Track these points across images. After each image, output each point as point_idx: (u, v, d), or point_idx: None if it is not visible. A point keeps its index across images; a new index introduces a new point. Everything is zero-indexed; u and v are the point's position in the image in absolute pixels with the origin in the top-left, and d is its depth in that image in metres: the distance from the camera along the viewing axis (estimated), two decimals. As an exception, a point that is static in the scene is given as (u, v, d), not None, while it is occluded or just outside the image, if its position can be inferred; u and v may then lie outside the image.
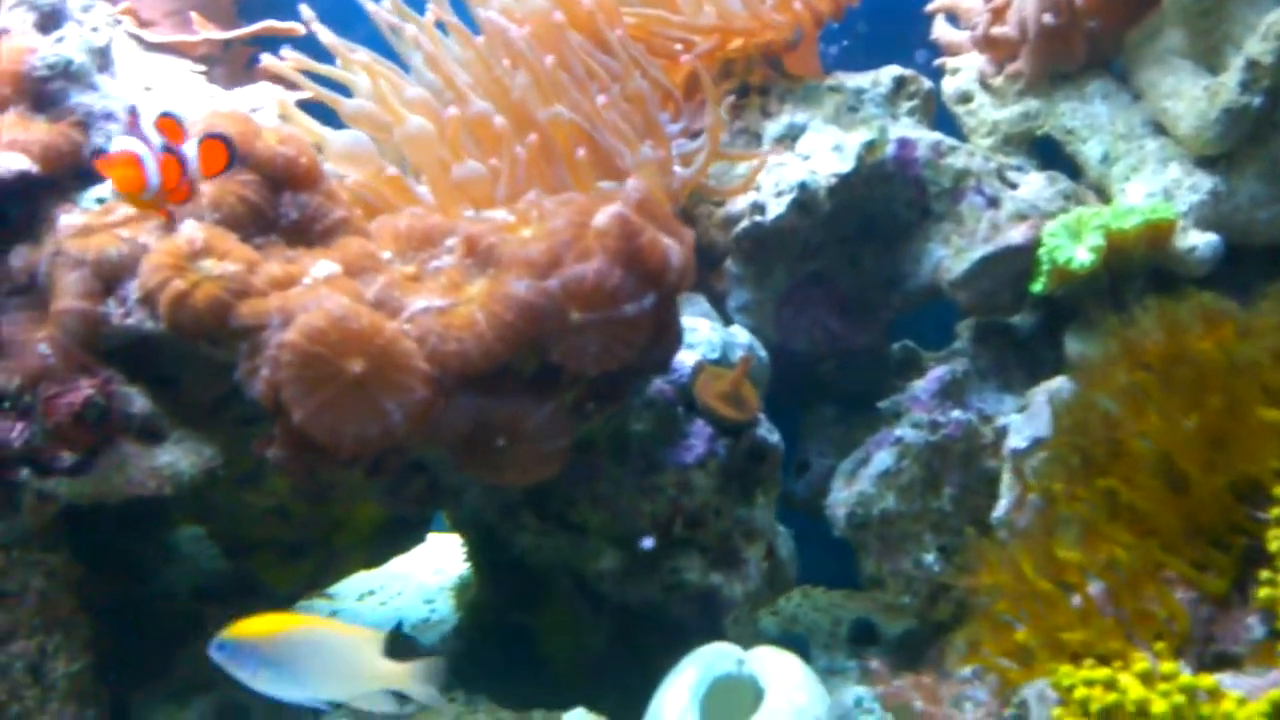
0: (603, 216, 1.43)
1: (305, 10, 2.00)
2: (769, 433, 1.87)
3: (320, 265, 1.47)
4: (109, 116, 1.60)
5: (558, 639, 2.06)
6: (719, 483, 1.85)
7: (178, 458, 1.54)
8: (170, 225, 1.48)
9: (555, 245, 1.44)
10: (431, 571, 2.73)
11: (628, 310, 1.43)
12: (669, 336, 1.55)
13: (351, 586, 2.60)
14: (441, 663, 1.47)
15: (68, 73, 1.59)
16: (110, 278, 1.47)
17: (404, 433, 1.41)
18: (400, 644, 1.42)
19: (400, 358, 1.41)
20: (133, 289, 1.46)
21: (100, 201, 1.56)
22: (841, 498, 2.14)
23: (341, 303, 1.40)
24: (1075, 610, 1.68)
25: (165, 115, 1.40)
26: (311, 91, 1.87)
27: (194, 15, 2.41)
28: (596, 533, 1.86)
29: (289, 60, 1.94)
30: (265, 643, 1.43)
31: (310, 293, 1.43)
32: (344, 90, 2.02)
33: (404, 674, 1.41)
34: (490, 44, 2.05)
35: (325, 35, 1.98)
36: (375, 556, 2.03)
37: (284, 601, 2.13)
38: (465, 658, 2.28)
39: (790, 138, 2.29)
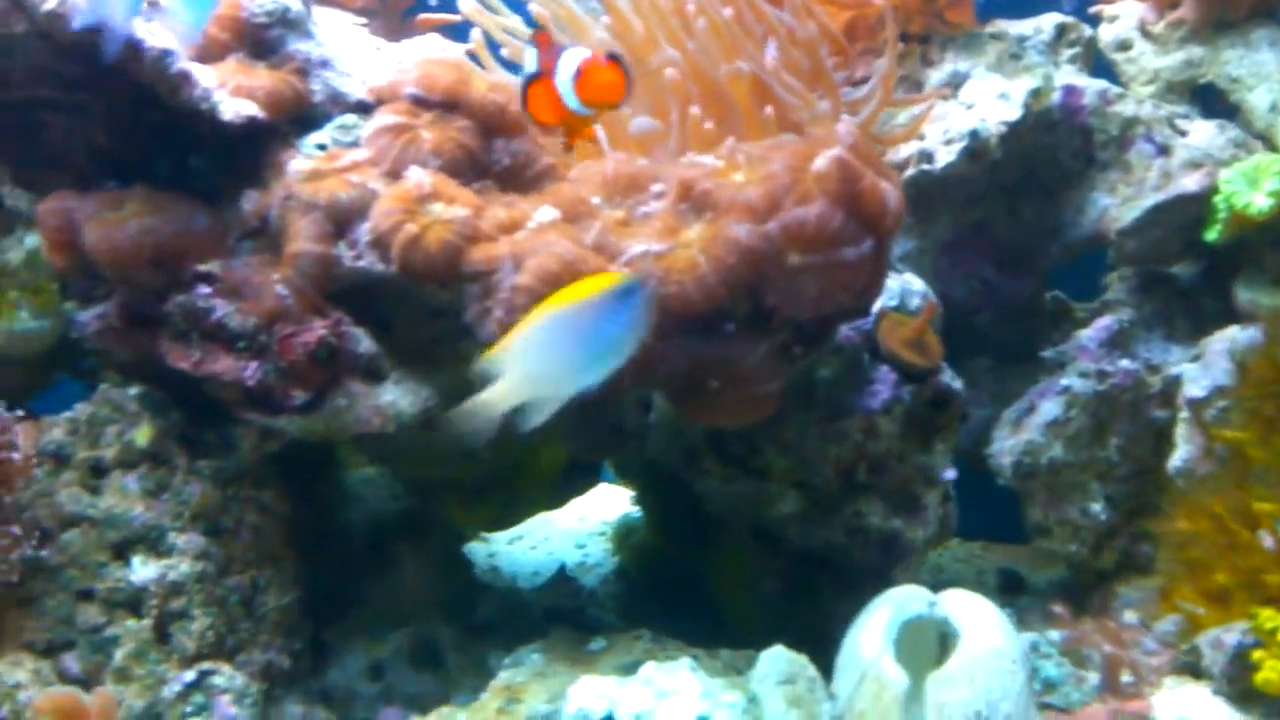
0: (822, 160, 1.45)
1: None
2: (952, 380, 1.88)
3: (541, 210, 1.50)
4: (325, 64, 1.64)
5: (729, 582, 2.10)
6: (902, 429, 1.86)
7: (398, 397, 1.59)
8: (397, 171, 1.52)
9: (774, 189, 1.45)
10: (576, 518, 2.78)
11: (848, 254, 1.44)
12: (880, 282, 1.56)
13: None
14: None
15: (285, 19, 1.63)
16: (341, 221, 1.51)
17: (627, 374, 1.44)
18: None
19: (624, 301, 1.43)
20: (364, 232, 1.50)
21: (321, 147, 1.60)
22: (1008, 446, 2.15)
23: (570, 247, 1.43)
24: (1273, 555, 1.69)
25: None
26: (502, 42, 1.89)
27: (354, -33, 2.44)
28: (779, 477, 1.89)
29: (470, 9, 1.96)
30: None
31: (538, 237, 1.46)
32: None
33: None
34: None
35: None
36: (556, 499, 2.08)
37: (459, 540, 2.19)
38: (630, 599, 2.34)
39: (953, 85, 2.29)
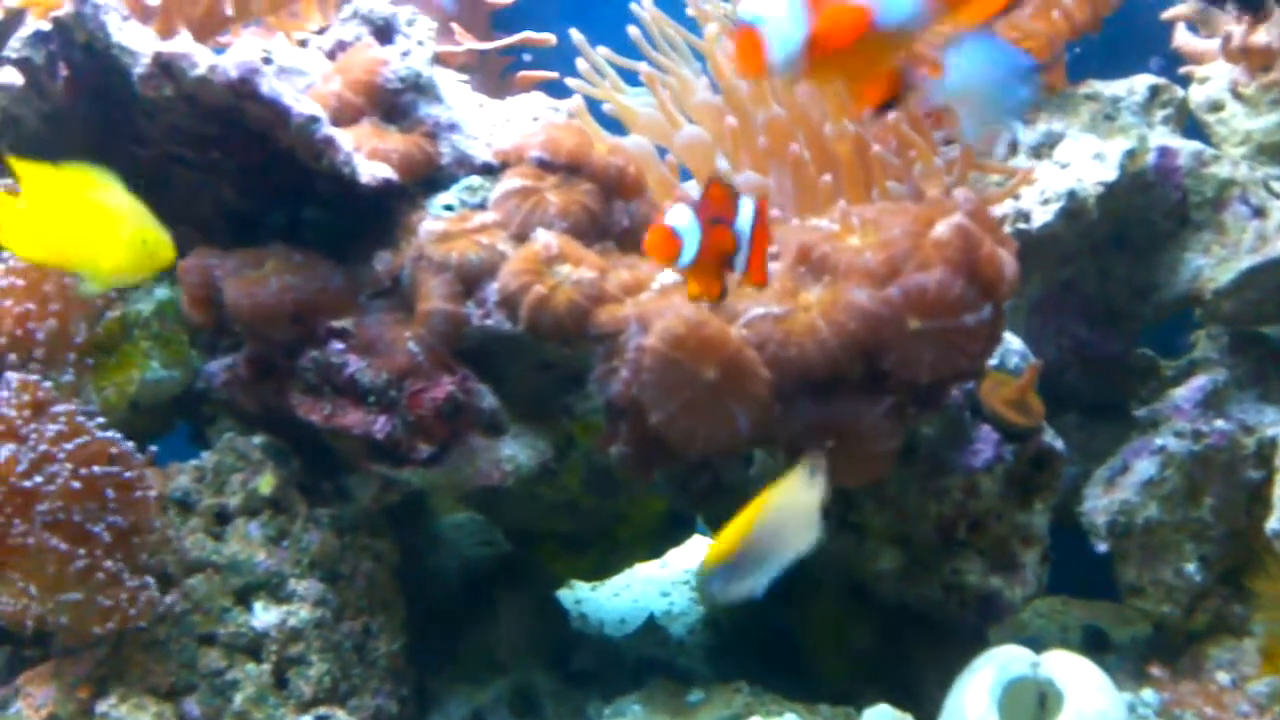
0: (943, 227, 1.48)
1: (576, 34, 2.06)
2: (1053, 439, 1.90)
3: (664, 272, 1.54)
4: (453, 127, 1.69)
5: (820, 636, 2.11)
6: (1003, 488, 1.88)
7: (517, 451, 1.63)
8: (525, 233, 1.57)
9: (894, 255, 1.49)
10: (658, 565, 2.80)
11: (967, 321, 1.47)
12: (995, 346, 1.59)
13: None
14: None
15: (417, 85, 1.69)
16: (471, 281, 1.56)
17: (748, 437, 1.48)
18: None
19: (747, 364, 1.47)
20: (492, 292, 1.55)
21: (448, 208, 1.65)
22: (1101, 505, 2.16)
23: (694, 310, 1.47)
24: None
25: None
26: (610, 99, 1.94)
27: (455, 26, 2.52)
28: (877, 534, 1.90)
29: (580, 83, 2.01)
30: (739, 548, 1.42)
31: (661, 299, 1.50)
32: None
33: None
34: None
35: (590, 54, 2.04)
36: (654, 550, 2.10)
37: (552, 587, 2.22)
38: (718, 649, 2.36)
39: (1047, 145, 2.31)
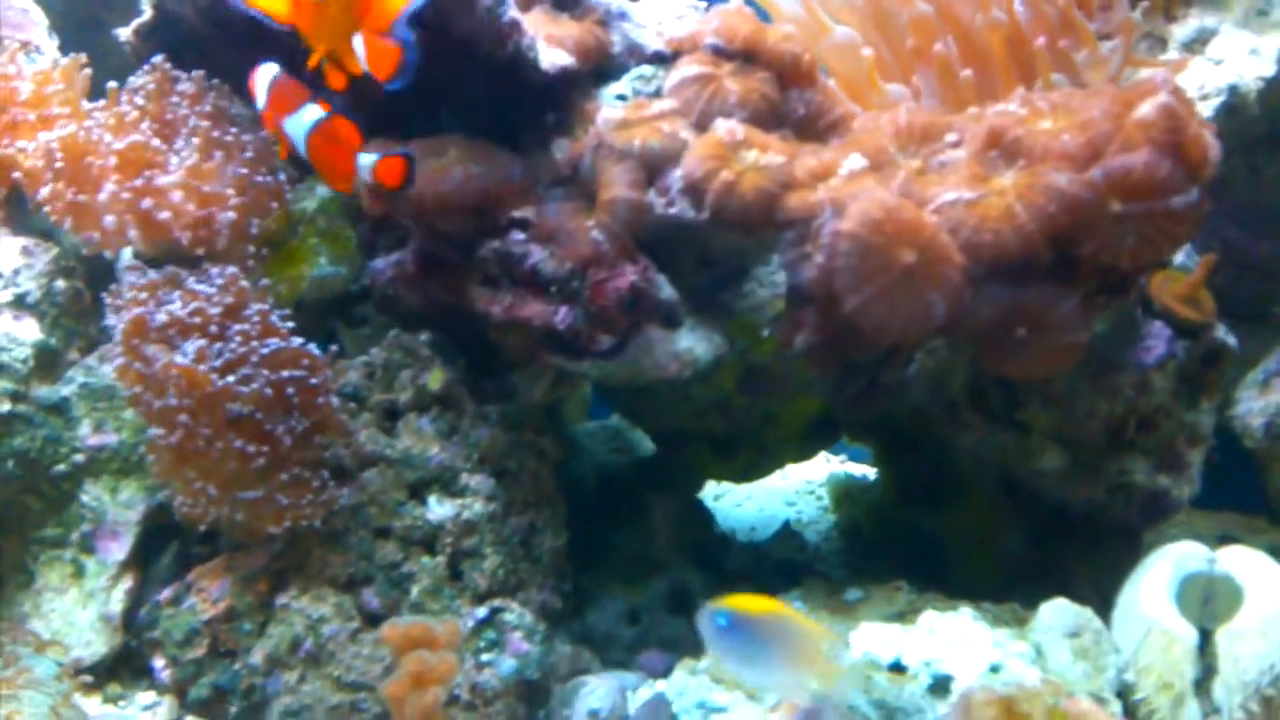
0: (1148, 107, 1.43)
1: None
2: (1225, 335, 1.85)
3: (851, 158, 1.50)
4: (622, 15, 1.66)
5: (970, 539, 2.09)
6: (1174, 385, 1.84)
7: (694, 343, 1.61)
8: (705, 121, 1.53)
9: (1094, 136, 1.44)
10: (778, 477, 2.79)
11: (1175, 203, 1.43)
12: (1197, 231, 1.54)
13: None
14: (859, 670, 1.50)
15: (589, -29, 1.65)
16: (653, 169, 1.53)
17: (943, 323, 1.45)
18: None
19: (941, 249, 1.44)
20: (675, 180, 1.52)
21: (620, 98, 1.62)
22: (1257, 408, 2.11)
23: (886, 193, 1.43)
24: None
25: None
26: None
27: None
28: (1042, 432, 1.87)
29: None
30: (756, 621, 1.43)
31: (853, 183, 1.47)
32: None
33: (837, 683, 1.41)
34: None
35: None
36: (802, 453, 2.09)
37: (691, 490, 2.21)
38: (854, 554, 2.35)
39: (1199, 41, 2.23)
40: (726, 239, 1.58)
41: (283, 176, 1.71)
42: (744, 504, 2.72)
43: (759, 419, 1.99)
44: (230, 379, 1.49)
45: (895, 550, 2.25)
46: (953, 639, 1.65)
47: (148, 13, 1.82)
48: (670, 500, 2.08)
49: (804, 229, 1.46)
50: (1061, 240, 1.49)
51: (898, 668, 1.62)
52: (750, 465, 2.05)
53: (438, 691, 1.28)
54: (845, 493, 2.41)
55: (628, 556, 2.03)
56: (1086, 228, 1.46)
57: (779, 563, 2.17)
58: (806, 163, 1.49)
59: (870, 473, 2.67)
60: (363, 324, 1.94)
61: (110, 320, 1.56)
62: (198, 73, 1.72)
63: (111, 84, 1.76)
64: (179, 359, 1.44)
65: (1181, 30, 2.27)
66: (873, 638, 1.65)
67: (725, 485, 2.78)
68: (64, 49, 2.19)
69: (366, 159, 1.41)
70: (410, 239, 1.73)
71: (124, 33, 1.90)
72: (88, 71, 1.82)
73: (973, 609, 1.71)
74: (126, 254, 1.80)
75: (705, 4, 1.95)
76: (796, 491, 2.69)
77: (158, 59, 1.76)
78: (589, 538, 2.05)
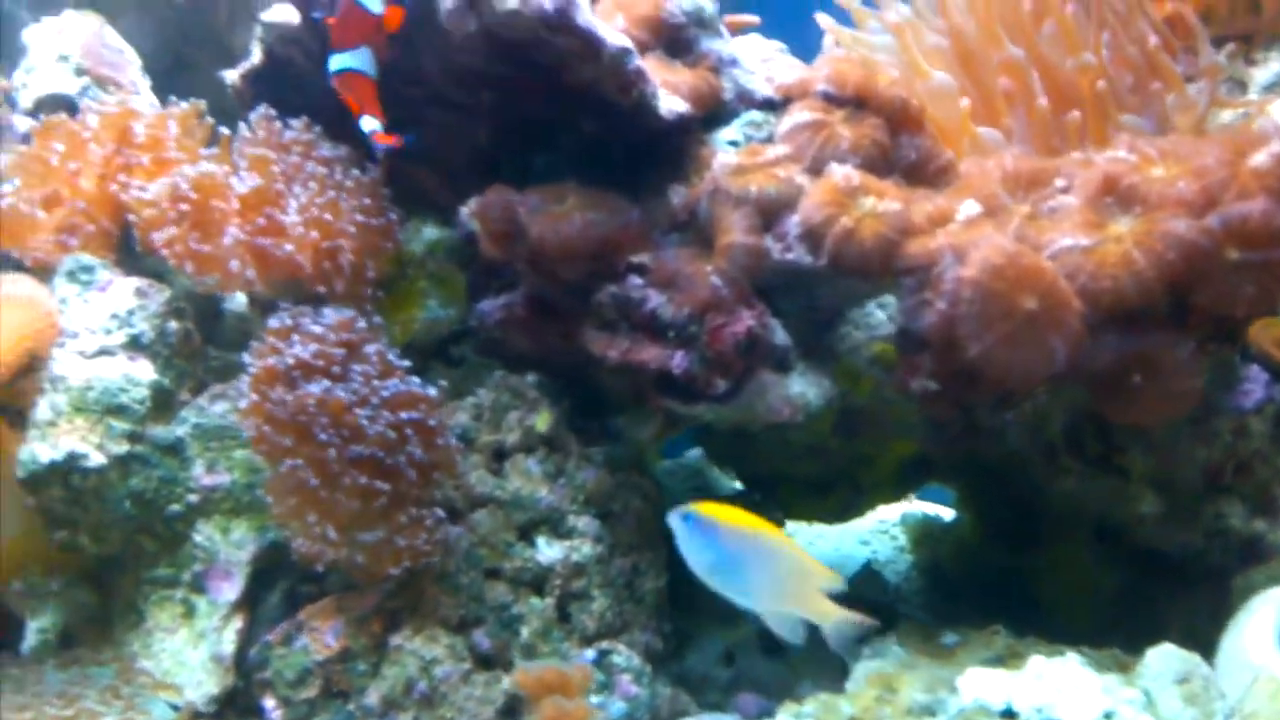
0: (1263, 156, 1.45)
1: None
2: (1323, 380, 1.85)
3: (966, 204, 1.52)
4: (734, 62, 1.69)
5: (1063, 582, 2.09)
6: (1271, 430, 1.84)
7: (805, 388, 1.63)
8: (819, 167, 1.56)
9: (1209, 184, 1.46)
10: (850, 514, 2.80)
11: (1292, 251, 1.44)
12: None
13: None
14: (869, 626, 1.51)
15: (700, 19, 1.68)
16: (769, 215, 1.55)
17: (1063, 369, 1.46)
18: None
19: (1062, 295, 1.45)
20: (793, 225, 1.54)
21: (732, 143, 1.65)
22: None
23: (1006, 241, 1.45)
24: None
25: None
26: (852, 42, 1.92)
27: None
28: (1139, 477, 1.88)
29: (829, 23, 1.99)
30: (728, 531, 1.45)
31: (971, 230, 1.48)
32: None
33: (832, 616, 1.44)
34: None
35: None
36: (895, 493, 2.10)
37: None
38: (935, 595, 2.35)
39: (1279, 85, 2.25)
40: (838, 284, 1.60)
41: (393, 216, 1.74)
42: (816, 543, 2.72)
43: (854, 461, 2.00)
44: (359, 419, 1.51)
45: (982, 592, 2.25)
46: (1062, 685, 1.64)
47: (257, 57, 1.86)
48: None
49: (924, 275, 1.48)
50: (1177, 287, 1.50)
51: (1009, 714, 1.62)
52: (844, 506, 2.06)
53: (575, 735, 1.29)
54: (925, 533, 2.42)
55: (721, 597, 2.03)
56: (1203, 275, 1.47)
57: (869, 604, 2.16)
58: (923, 209, 1.51)
59: (944, 512, 2.67)
60: (459, 364, 1.96)
61: (247, 360, 1.57)
62: (304, 120, 1.75)
63: (225, 131, 1.80)
64: (313, 389, 1.47)
65: (1261, 73, 2.29)
66: (981, 683, 1.65)
67: (795, 524, 2.78)
68: (155, 89, 2.25)
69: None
70: (519, 283, 1.76)
71: (230, 75, 1.94)
72: (208, 120, 1.86)
73: (1078, 654, 1.71)
74: (239, 298, 1.83)
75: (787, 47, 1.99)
76: (870, 531, 2.69)
77: (263, 107, 1.80)
78: (678, 577, 2.06)
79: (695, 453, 2.49)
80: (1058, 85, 1.97)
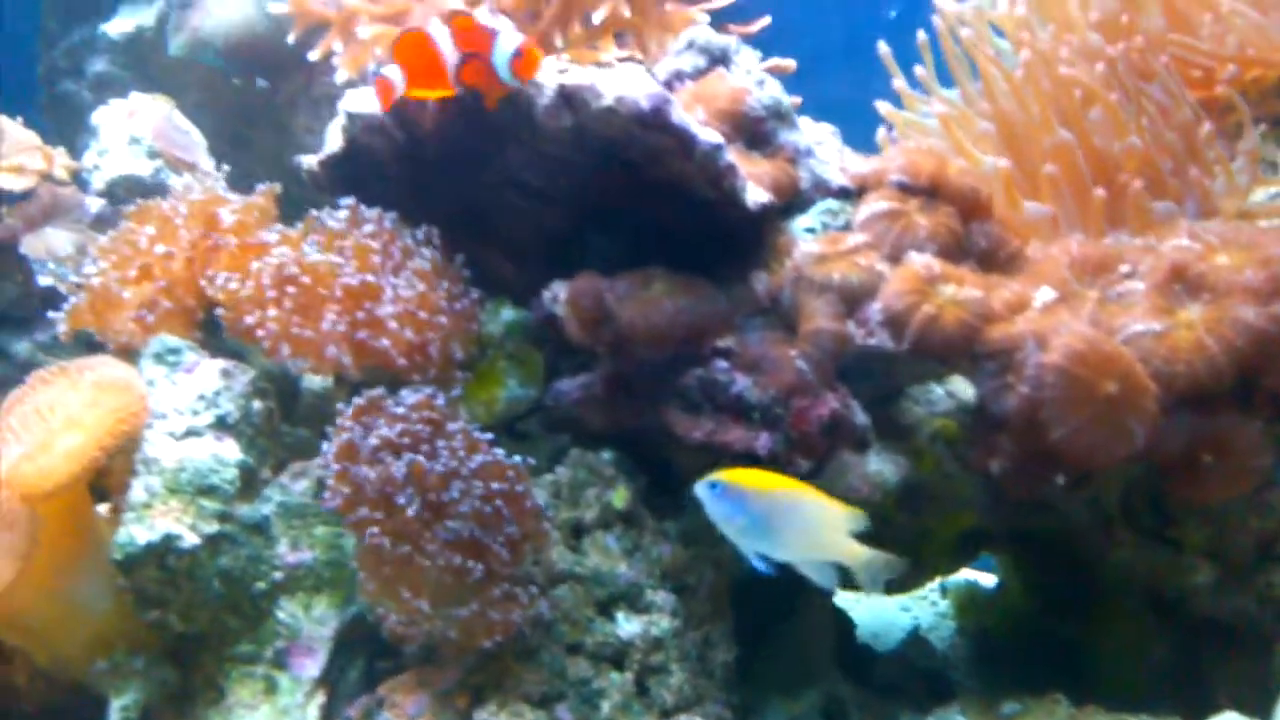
0: (1326, 246, 1.51)
1: (884, 47, 2.12)
2: (1370, 453, 1.92)
3: (1042, 291, 1.58)
4: (809, 153, 1.76)
5: (1115, 649, 2.14)
6: (1322, 500, 1.90)
7: (882, 466, 1.68)
8: (897, 255, 1.62)
9: (1275, 272, 1.53)
10: (887, 579, 2.83)
11: (1355, 336, 1.50)
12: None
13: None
14: (899, 564, 1.55)
15: (778, 112, 1.75)
16: (851, 301, 1.61)
17: (1140, 451, 1.52)
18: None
19: (1139, 379, 1.52)
20: (875, 312, 1.60)
21: (809, 230, 1.71)
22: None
23: (1086, 327, 1.51)
24: None
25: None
26: (904, 123, 1.99)
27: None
28: (1194, 549, 1.93)
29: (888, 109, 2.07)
30: (754, 493, 1.50)
31: (1050, 316, 1.55)
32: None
33: (862, 556, 1.49)
34: (1029, 74, 2.14)
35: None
36: (952, 565, 2.14)
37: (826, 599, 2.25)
38: (982, 662, 2.39)
39: (1310, 164, 2.34)
40: (913, 366, 1.66)
41: (474, 296, 1.79)
42: (854, 608, 2.75)
43: (914, 534, 2.05)
44: (449, 495, 1.55)
45: (1032, 660, 2.29)
46: (1134, 753, 1.69)
47: (337, 144, 1.91)
48: (821, 609, 2.13)
49: (1005, 359, 1.54)
50: (1246, 370, 1.56)
51: (1085, 784, 1.66)
52: (905, 578, 2.10)
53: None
54: (970, 600, 2.46)
55: (782, 666, 2.07)
56: (1271, 359, 1.53)
57: (923, 672, 2.21)
58: (1001, 295, 1.57)
59: (983, 578, 2.71)
60: (524, 439, 2.01)
61: (330, 441, 1.61)
62: (392, 215, 1.80)
63: (312, 213, 1.85)
64: (405, 461, 1.51)
65: (1291, 154, 2.37)
66: (1056, 753, 1.69)
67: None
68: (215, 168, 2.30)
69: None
70: (594, 364, 1.80)
71: (308, 161, 2.00)
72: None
73: (1141, 722, 1.76)
74: (319, 379, 1.87)
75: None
76: (910, 597, 2.73)
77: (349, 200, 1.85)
78: (741, 647, 2.09)
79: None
80: (1103, 170, 2.05)
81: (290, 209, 1.97)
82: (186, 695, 1.78)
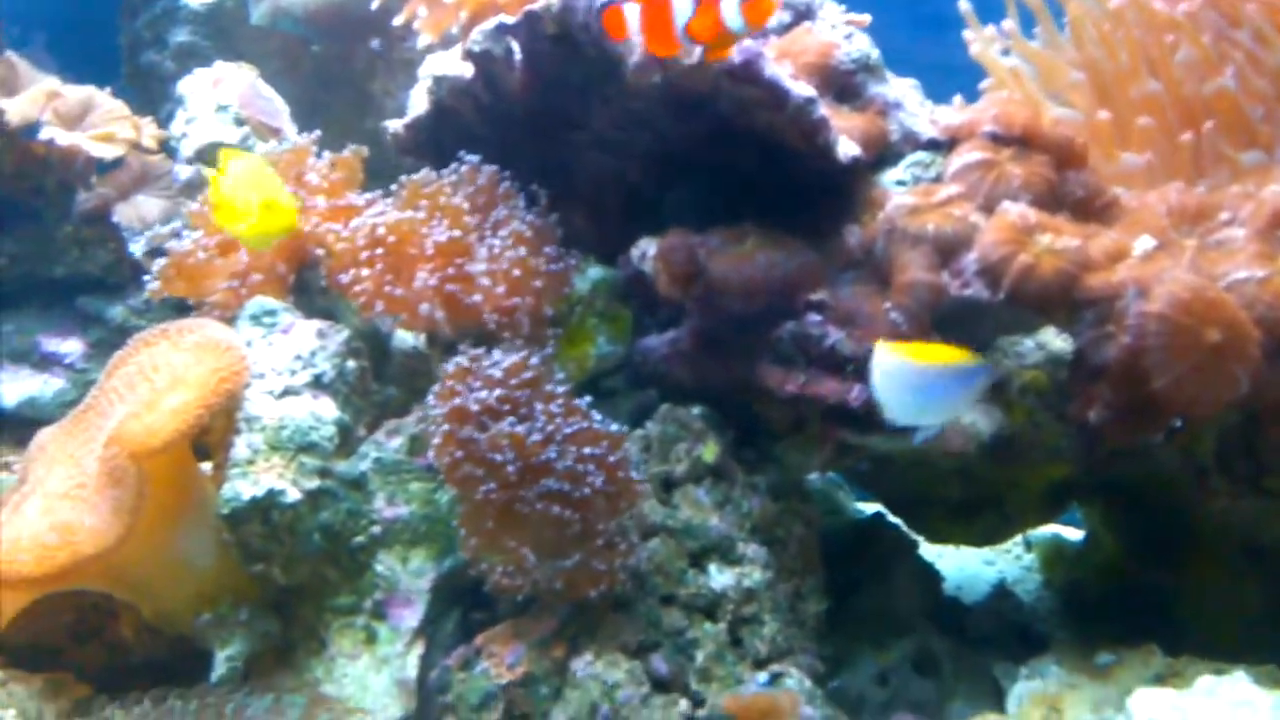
0: None
1: (965, 4, 2.08)
2: None
3: (1142, 239, 1.56)
4: (898, 105, 1.74)
5: (1209, 600, 2.12)
6: None
7: (978, 419, 1.67)
8: (991, 205, 1.60)
9: (1382, 217, 1.49)
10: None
11: None
12: None
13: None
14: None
15: (867, 65, 1.74)
16: (946, 252, 1.60)
17: (1245, 396, 1.50)
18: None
19: (1242, 326, 1.49)
20: (970, 263, 1.59)
21: (900, 183, 1.70)
22: None
23: (1190, 275, 1.49)
24: None
25: None
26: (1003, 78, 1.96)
27: None
28: (1288, 497, 1.90)
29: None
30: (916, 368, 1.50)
31: (1151, 265, 1.53)
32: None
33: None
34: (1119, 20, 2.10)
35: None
36: (1042, 518, 2.13)
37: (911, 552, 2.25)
38: (1070, 615, 2.38)
39: None
40: (1006, 317, 1.64)
41: (572, 261, 1.80)
42: (939, 562, 2.75)
43: (1002, 484, 2.04)
44: (547, 454, 1.57)
45: (1123, 612, 2.27)
46: (1235, 702, 1.67)
47: (424, 107, 1.93)
48: (909, 562, 2.14)
49: (1104, 309, 1.52)
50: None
51: (1184, 734, 1.65)
52: (991, 532, 2.09)
53: (792, 759, 1.34)
54: (1057, 553, 2.45)
55: (872, 618, 2.07)
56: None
57: (1013, 625, 2.20)
58: (1100, 244, 1.55)
59: (1067, 532, 2.70)
60: (611, 395, 2.02)
61: (431, 402, 1.64)
62: (492, 167, 1.81)
63: (405, 178, 1.87)
64: (502, 428, 1.53)
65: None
66: (1153, 703, 1.69)
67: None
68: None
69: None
70: (682, 319, 1.81)
71: (393, 125, 2.02)
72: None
73: (1246, 672, 1.74)
74: (410, 337, 1.90)
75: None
76: (994, 551, 2.72)
77: (471, 159, 1.86)
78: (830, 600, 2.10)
79: (827, 476, 2.54)
80: (1191, 118, 2.00)
81: (369, 175, 2.00)
82: (289, 646, 1.83)
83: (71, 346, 2.21)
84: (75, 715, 1.69)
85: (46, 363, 2.20)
